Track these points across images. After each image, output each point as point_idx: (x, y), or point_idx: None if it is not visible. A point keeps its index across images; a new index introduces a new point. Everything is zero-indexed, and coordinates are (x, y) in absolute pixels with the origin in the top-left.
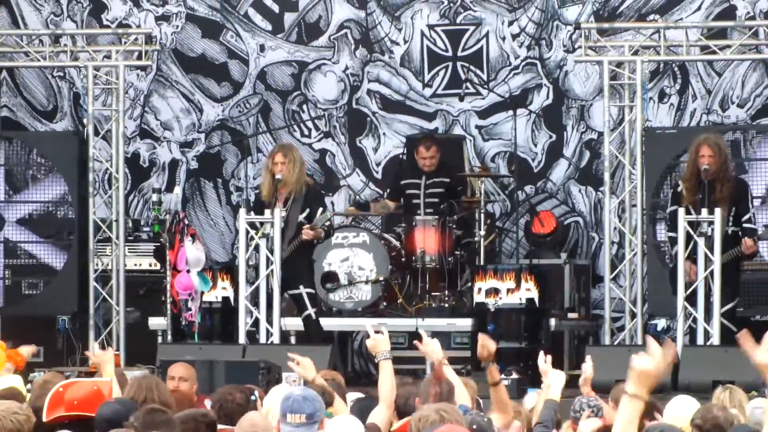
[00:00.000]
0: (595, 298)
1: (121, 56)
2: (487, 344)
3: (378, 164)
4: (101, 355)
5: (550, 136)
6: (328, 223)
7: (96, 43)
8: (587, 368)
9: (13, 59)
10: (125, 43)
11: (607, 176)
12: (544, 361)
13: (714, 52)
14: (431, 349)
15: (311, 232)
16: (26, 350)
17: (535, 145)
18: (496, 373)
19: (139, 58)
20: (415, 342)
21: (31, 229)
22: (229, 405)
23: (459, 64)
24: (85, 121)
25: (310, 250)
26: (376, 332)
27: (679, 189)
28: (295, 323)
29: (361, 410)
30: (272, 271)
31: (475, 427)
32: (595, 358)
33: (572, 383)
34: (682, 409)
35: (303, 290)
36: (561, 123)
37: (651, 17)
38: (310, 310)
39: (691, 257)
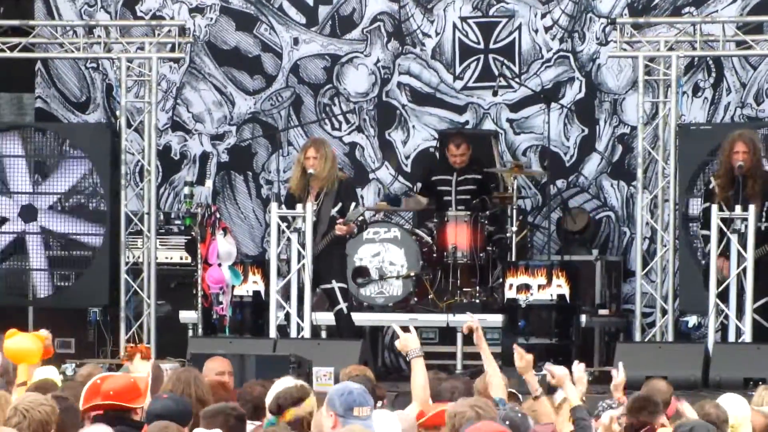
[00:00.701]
0: (626, 293)
1: (154, 48)
2: (524, 356)
3: (407, 157)
4: (139, 365)
5: (583, 130)
6: (361, 218)
7: (129, 34)
8: (619, 374)
9: (48, 50)
10: (159, 35)
11: (640, 172)
12: (578, 369)
13: (750, 47)
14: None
15: (344, 227)
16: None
17: (567, 139)
18: (536, 385)
19: (173, 50)
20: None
21: (64, 220)
22: (248, 398)
23: (491, 56)
24: (117, 112)
25: (342, 245)
26: (405, 330)
27: (711, 186)
28: (326, 318)
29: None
30: (303, 265)
31: (508, 422)
32: (625, 355)
33: (602, 379)
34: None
35: (335, 284)
36: (593, 117)
37: (686, 10)
38: (342, 305)
39: (725, 254)
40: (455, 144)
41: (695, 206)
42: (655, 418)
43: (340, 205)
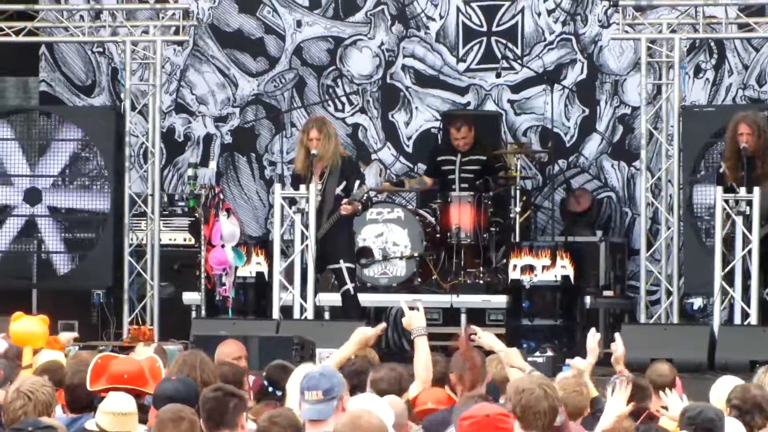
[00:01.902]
0: (631, 270)
1: (158, 31)
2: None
3: (409, 138)
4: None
5: (583, 111)
6: (366, 197)
7: (135, 18)
8: (618, 347)
9: (53, 34)
10: (163, 18)
11: (643, 153)
12: (592, 338)
13: (753, 29)
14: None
15: (350, 207)
16: (65, 337)
17: (568, 120)
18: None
19: (177, 33)
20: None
21: (68, 198)
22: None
23: (494, 39)
24: (122, 95)
25: (349, 224)
26: (411, 309)
27: (721, 170)
28: (329, 299)
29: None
30: (307, 246)
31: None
32: (630, 337)
33: (607, 361)
34: (725, 389)
35: (343, 265)
36: (594, 98)
37: None
38: (349, 285)
39: (729, 236)
40: (455, 127)
41: (701, 192)
42: (647, 402)
43: (344, 183)
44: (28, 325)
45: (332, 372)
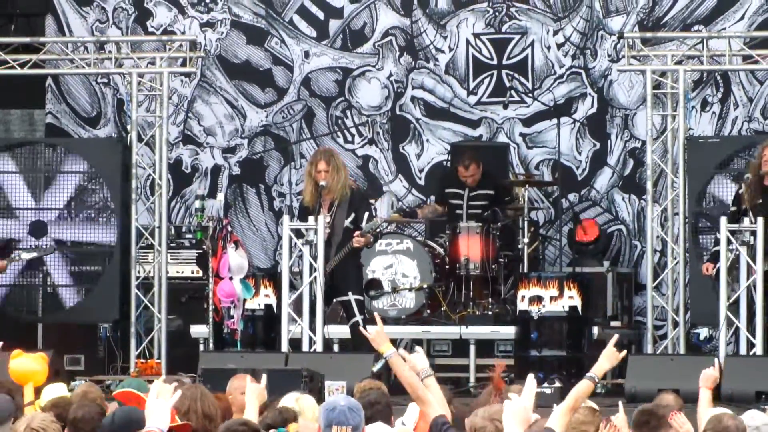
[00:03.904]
0: (638, 306)
1: (165, 63)
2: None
3: (421, 171)
4: (162, 390)
5: (594, 145)
6: (378, 230)
7: (141, 50)
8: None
9: (58, 66)
10: (169, 49)
11: (649, 185)
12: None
13: (756, 62)
14: (414, 365)
15: (362, 239)
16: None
17: (579, 153)
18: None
19: (183, 64)
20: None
21: (74, 231)
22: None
23: (504, 72)
24: (128, 127)
25: (357, 256)
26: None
27: (740, 191)
28: (338, 331)
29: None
30: (315, 278)
31: None
32: (637, 367)
33: (615, 392)
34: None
35: (352, 297)
36: (605, 131)
37: (695, 27)
38: (358, 317)
39: (713, 260)
40: (463, 165)
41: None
42: None
43: (353, 215)
44: (28, 363)
45: (357, 405)
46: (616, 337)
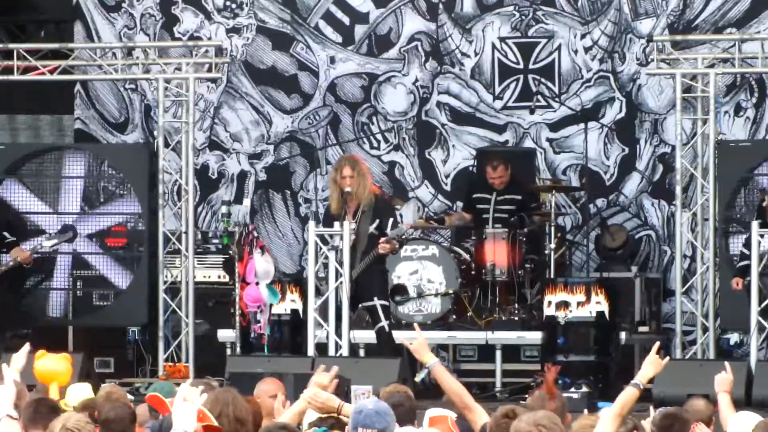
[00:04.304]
0: (666, 312)
1: (191, 68)
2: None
3: (447, 176)
4: (190, 394)
5: (623, 150)
6: (404, 236)
7: (167, 55)
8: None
9: (87, 72)
10: (196, 55)
11: (678, 190)
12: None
13: None
14: (422, 356)
15: (387, 246)
16: None
17: (607, 158)
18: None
19: (210, 70)
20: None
21: (101, 239)
22: None
23: (530, 76)
24: (155, 132)
25: (383, 262)
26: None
27: (764, 203)
28: (364, 336)
29: None
30: (341, 283)
31: None
32: (666, 373)
33: (642, 398)
34: (744, 423)
35: (377, 302)
36: (634, 136)
37: (728, 30)
38: (384, 322)
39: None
40: (491, 166)
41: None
42: None
43: (378, 221)
44: (52, 363)
45: (385, 409)
46: (657, 344)
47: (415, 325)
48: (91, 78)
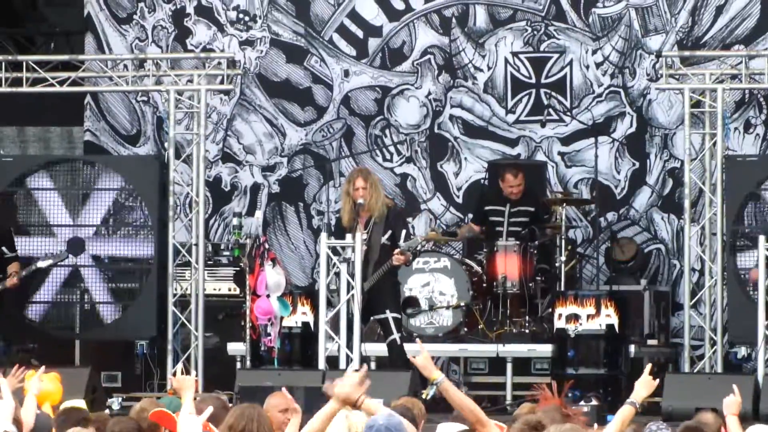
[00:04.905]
0: (675, 326)
1: (203, 80)
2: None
3: (459, 189)
4: (182, 381)
5: (634, 164)
6: (419, 246)
7: (180, 67)
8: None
9: (97, 84)
10: (207, 67)
11: (687, 204)
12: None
13: None
14: (430, 372)
15: (401, 257)
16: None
17: (618, 173)
18: None
19: (222, 82)
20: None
21: (110, 252)
22: None
23: (542, 90)
24: (166, 144)
25: (395, 274)
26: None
27: None
28: (375, 348)
29: None
30: (353, 295)
31: None
32: (674, 386)
33: (651, 411)
34: None
35: (389, 315)
36: (644, 151)
37: (736, 47)
38: (395, 335)
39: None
40: (512, 173)
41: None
42: None
43: (390, 232)
44: (43, 384)
45: (397, 424)
46: (649, 366)
47: (418, 341)
48: (101, 90)
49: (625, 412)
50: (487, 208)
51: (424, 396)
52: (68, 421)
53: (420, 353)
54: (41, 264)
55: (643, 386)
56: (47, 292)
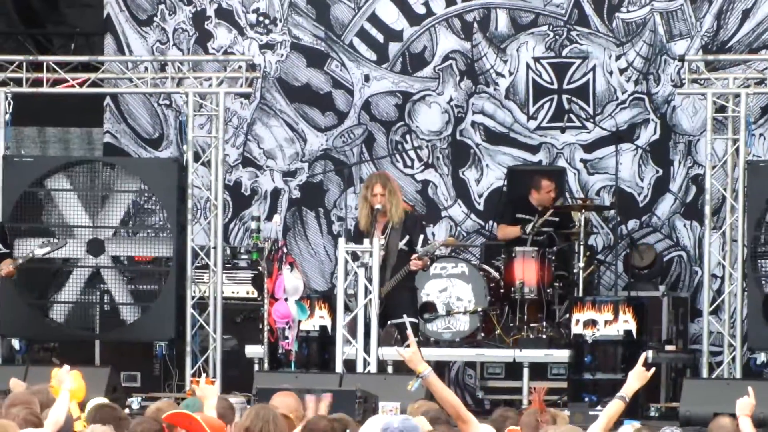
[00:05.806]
0: (694, 333)
1: (222, 83)
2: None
3: (480, 196)
4: (206, 389)
5: (657, 171)
6: (437, 253)
7: (200, 70)
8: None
9: (117, 85)
10: (228, 70)
11: (708, 210)
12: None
13: None
14: (416, 364)
15: (419, 262)
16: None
17: (641, 180)
18: None
19: (242, 86)
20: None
21: (130, 254)
22: None
23: (564, 96)
24: (185, 148)
25: (412, 279)
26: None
27: None
28: (392, 353)
29: None
30: (370, 300)
31: None
32: (692, 392)
33: (669, 415)
34: None
35: (406, 319)
36: (668, 158)
37: (762, 52)
38: (412, 340)
39: None
40: (547, 178)
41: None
42: None
43: (407, 237)
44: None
45: (412, 428)
46: (643, 356)
47: (409, 333)
48: (120, 91)
49: (614, 406)
50: (518, 215)
51: (408, 387)
52: (101, 419)
53: (410, 347)
54: (38, 252)
55: (636, 377)
56: (69, 293)
